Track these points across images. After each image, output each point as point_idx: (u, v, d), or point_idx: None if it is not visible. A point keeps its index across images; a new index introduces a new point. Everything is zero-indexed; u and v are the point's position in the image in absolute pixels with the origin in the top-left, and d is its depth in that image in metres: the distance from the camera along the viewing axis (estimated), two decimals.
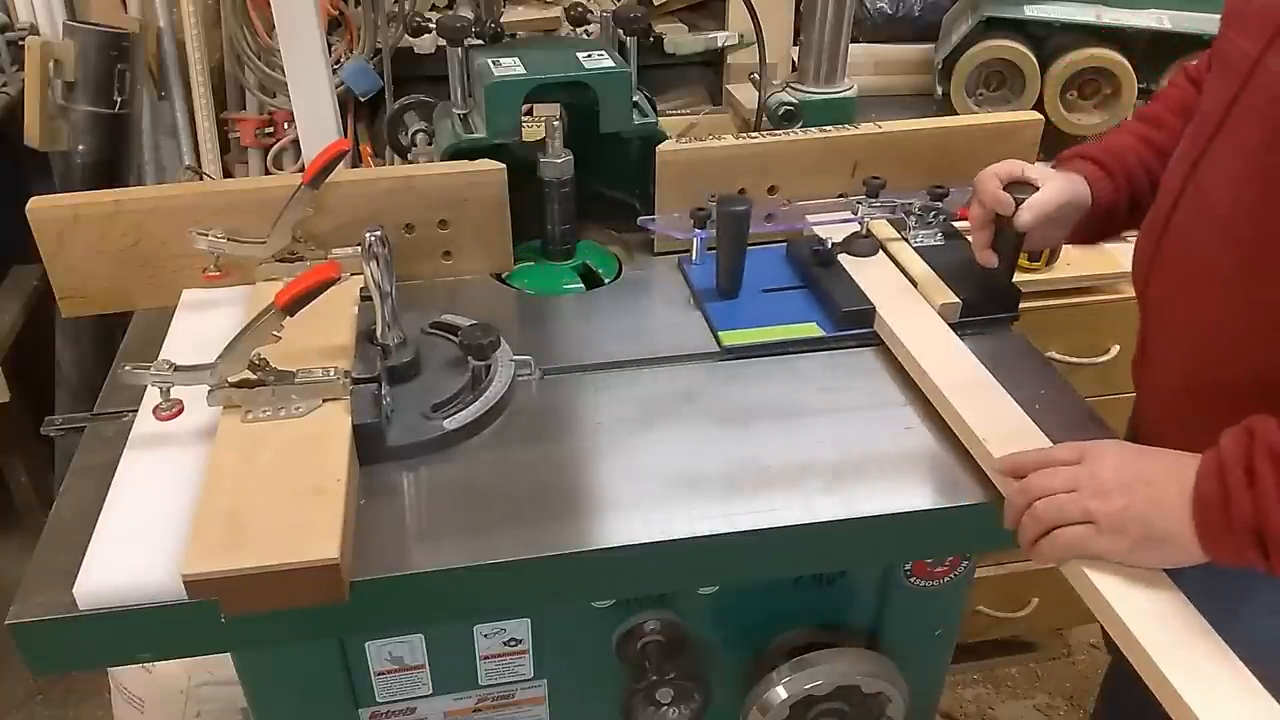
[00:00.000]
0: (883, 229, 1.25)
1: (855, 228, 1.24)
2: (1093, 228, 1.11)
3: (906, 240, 1.24)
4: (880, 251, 1.22)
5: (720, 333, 1.13)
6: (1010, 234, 1.07)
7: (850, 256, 1.21)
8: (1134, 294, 1.05)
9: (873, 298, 1.14)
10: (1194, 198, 0.93)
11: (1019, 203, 1.03)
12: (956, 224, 1.27)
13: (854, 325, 1.13)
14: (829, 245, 1.21)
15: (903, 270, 1.19)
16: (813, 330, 1.14)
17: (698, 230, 1.24)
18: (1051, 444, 0.93)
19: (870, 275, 1.18)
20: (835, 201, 1.30)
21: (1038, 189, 1.04)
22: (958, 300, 1.13)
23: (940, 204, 1.24)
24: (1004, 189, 1.05)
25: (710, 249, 1.23)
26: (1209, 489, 0.77)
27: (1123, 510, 0.79)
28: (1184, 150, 0.97)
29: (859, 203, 1.23)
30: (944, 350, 1.06)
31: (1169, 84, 1.18)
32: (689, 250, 1.27)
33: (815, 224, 1.28)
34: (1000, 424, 0.95)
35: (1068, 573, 0.84)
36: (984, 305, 1.14)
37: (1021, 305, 1.16)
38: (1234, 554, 0.76)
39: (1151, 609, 0.78)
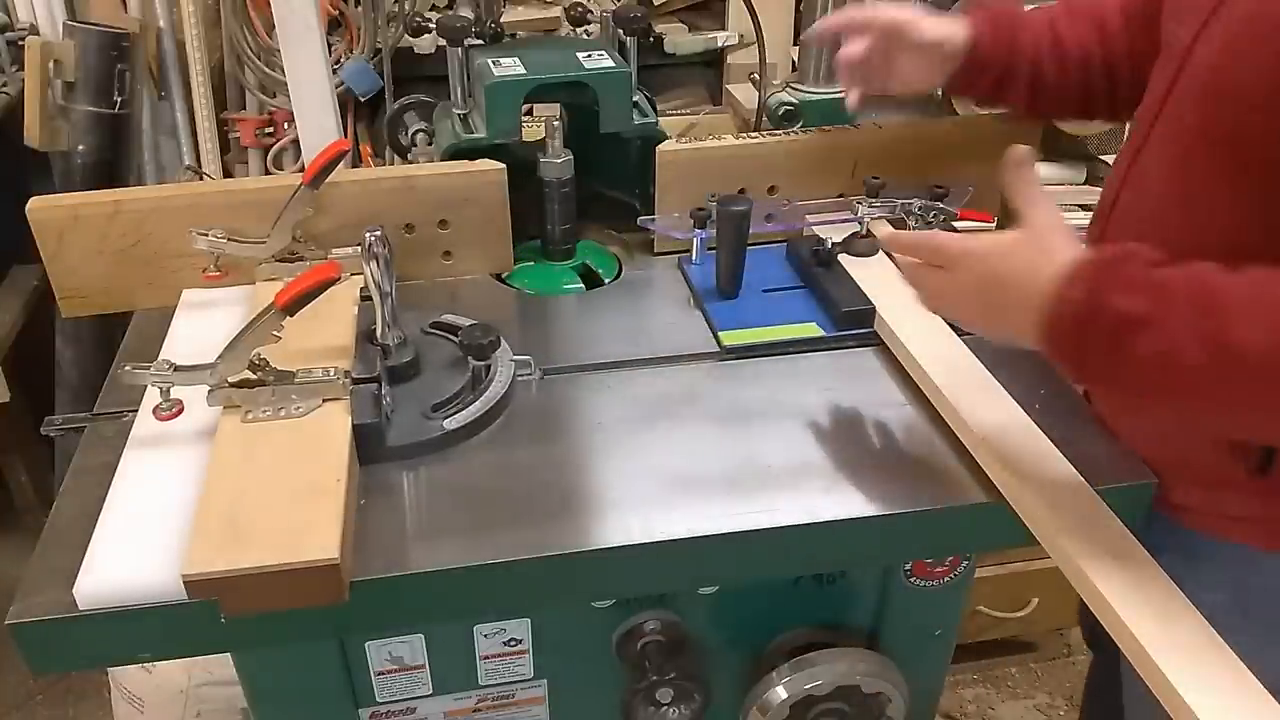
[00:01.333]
0: (882, 229, 1.25)
1: (855, 228, 1.24)
2: (966, 79, 1.12)
3: None
4: (880, 251, 1.22)
5: (720, 333, 1.13)
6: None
7: (850, 256, 1.21)
8: None
9: (873, 298, 1.14)
10: (1134, 186, 0.94)
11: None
12: (956, 224, 1.27)
13: (854, 325, 1.13)
14: (829, 245, 1.21)
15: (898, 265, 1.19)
16: (813, 330, 1.14)
17: (698, 230, 1.24)
18: (1051, 444, 0.93)
19: (870, 275, 1.18)
20: (835, 201, 1.30)
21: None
22: None
23: (940, 204, 1.24)
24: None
25: (710, 249, 1.23)
26: (1062, 330, 0.76)
27: (982, 332, 0.87)
28: (1130, 138, 0.97)
29: (859, 203, 1.23)
30: (944, 350, 1.06)
31: None
32: (689, 250, 1.27)
33: (815, 224, 1.28)
34: (1000, 424, 0.95)
35: (1068, 573, 0.84)
36: None
37: None
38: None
39: (1151, 608, 0.78)
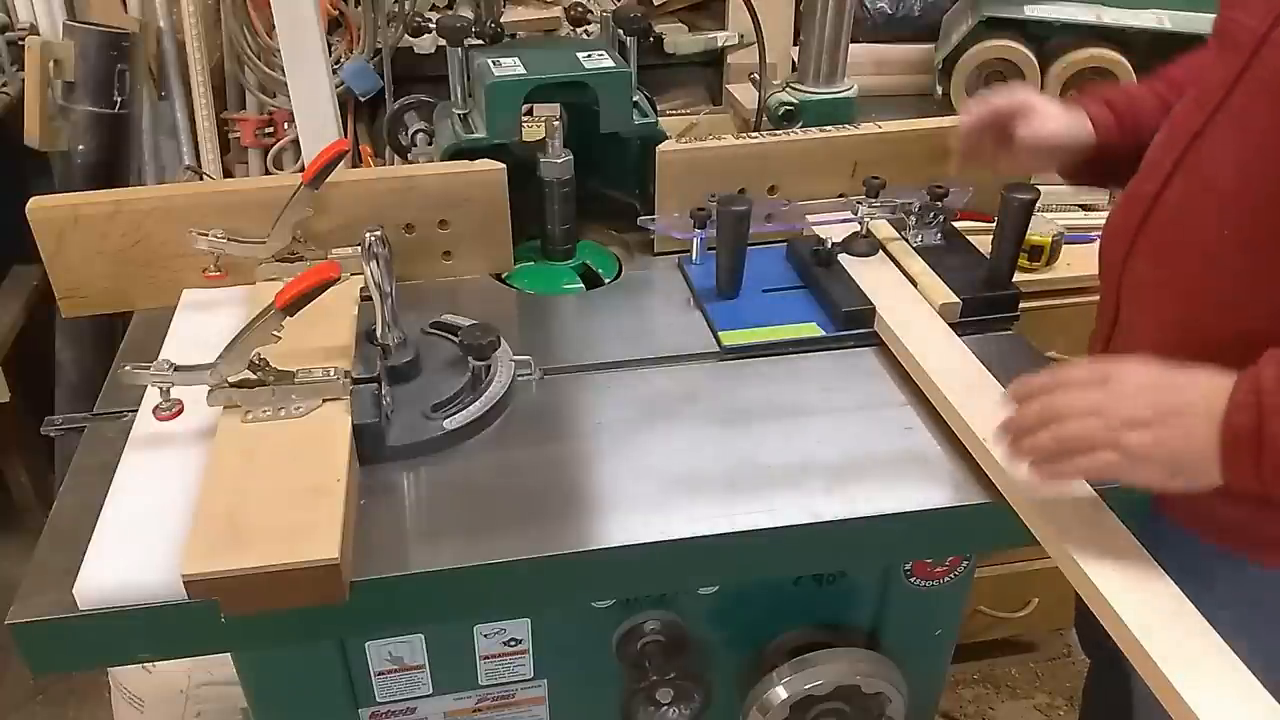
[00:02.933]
0: (882, 229, 1.25)
1: (855, 227, 1.24)
2: (1093, 169, 1.12)
3: (906, 240, 1.24)
4: (880, 251, 1.22)
5: (721, 333, 1.13)
6: (1010, 229, 1.08)
7: (850, 256, 1.21)
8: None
9: (873, 298, 1.14)
10: (1191, 173, 0.93)
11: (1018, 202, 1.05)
12: (956, 224, 1.27)
13: (854, 325, 1.13)
14: (829, 245, 1.21)
15: (903, 270, 1.19)
16: (813, 330, 1.14)
17: (698, 230, 1.23)
18: None
19: (870, 275, 1.18)
20: (835, 201, 1.30)
21: (1039, 194, 1.06)
22: (958, 300, 1.13)
23: (940, 204, 1.24)
24: (1004, 190, 1.06)
25: (710, 249, 1.23)
26: (1240, 422, 0.76)
27: (1154, 444, 0.78)
28: (1177, 128, 0.96)
29: (859, 203, 1.23)
30: (944, 350, 1.06)
31: (1191, 54, 1.16)
32: (689, 250, 1.27)
33: (815, 224, 1.28)
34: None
35: (1067, 573, 0.84)
36: (984, 305, 1.14)
37: (1021, 305, 1.16)
38: (1256, 486, 0.76)
39: (1151, 608, 0.78)
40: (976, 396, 0.99)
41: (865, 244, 1.22)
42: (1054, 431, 0.81)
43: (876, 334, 1.13)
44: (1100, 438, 0.79)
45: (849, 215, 1.25)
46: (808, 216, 1.29)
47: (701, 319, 1.17)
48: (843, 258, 1.20)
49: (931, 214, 1.24)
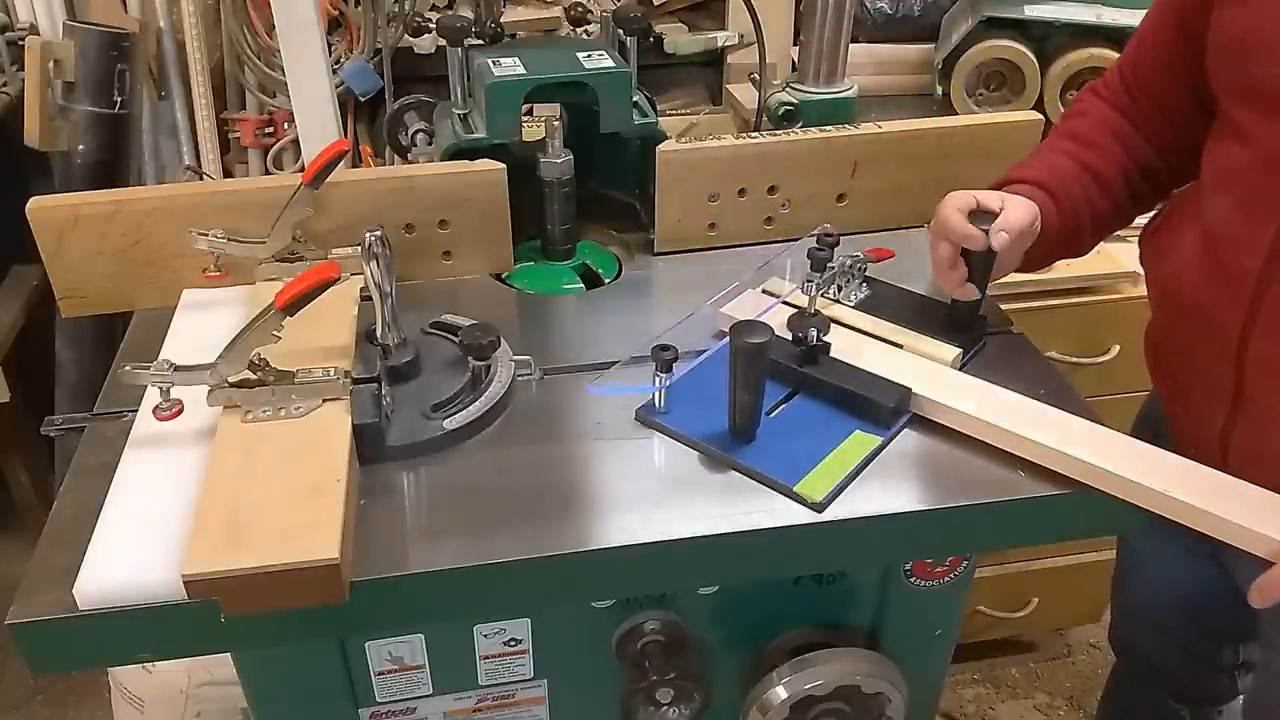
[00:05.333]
0: (800, 298, 1.11)
1: (759, 307, 1.10)
2: (1032, 256, 1.08)
3: (842, 303, 1.14)
4: (833, 325, 1.08)
5: (797, 488, 0.92)
6: (979, 262, 1.04)
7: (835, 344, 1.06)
8: (1220, 351, 1.00)
9: (900, 380, 1.02)
10: None
11: (986, 231, 1.00)
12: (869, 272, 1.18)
13: (899, 417, 1.01)
14: (812, 338, 1.04)
15: (878, 339, 1.10)
16: (870, 441, 0.98)
17: (660, 375, 0.99)
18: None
19: (860, 355, 1.06)
20: (735, 288, 1.16)
21: (998, 214, 1.01)
22: (958, 350, 1.07)
23: (860, 255, 1.15)
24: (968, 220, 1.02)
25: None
26: None
27: None
28: (1258, 202, 0.93)
29: (808, 281, 1.05)
30: (993, 398, 1.00)
31: (1083, 103, 1.16)
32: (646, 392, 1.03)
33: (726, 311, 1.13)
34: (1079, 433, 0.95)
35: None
36: (972, 343, 1.10)
37: (1021, 305, 1.16)
38: None
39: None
40: (1054, 426, 0.96)
41: (819, 321, 1.05)
42: None
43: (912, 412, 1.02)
44: None
45: (761, 296, 1.14)
46: (721, 310, 1.13)
47: (703, 319, 1.14)
48: (835, 351, 1.06)
49: (852, 265, 1.15)
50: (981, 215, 1.02)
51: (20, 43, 1.93)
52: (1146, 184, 1.12)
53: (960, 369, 1.06)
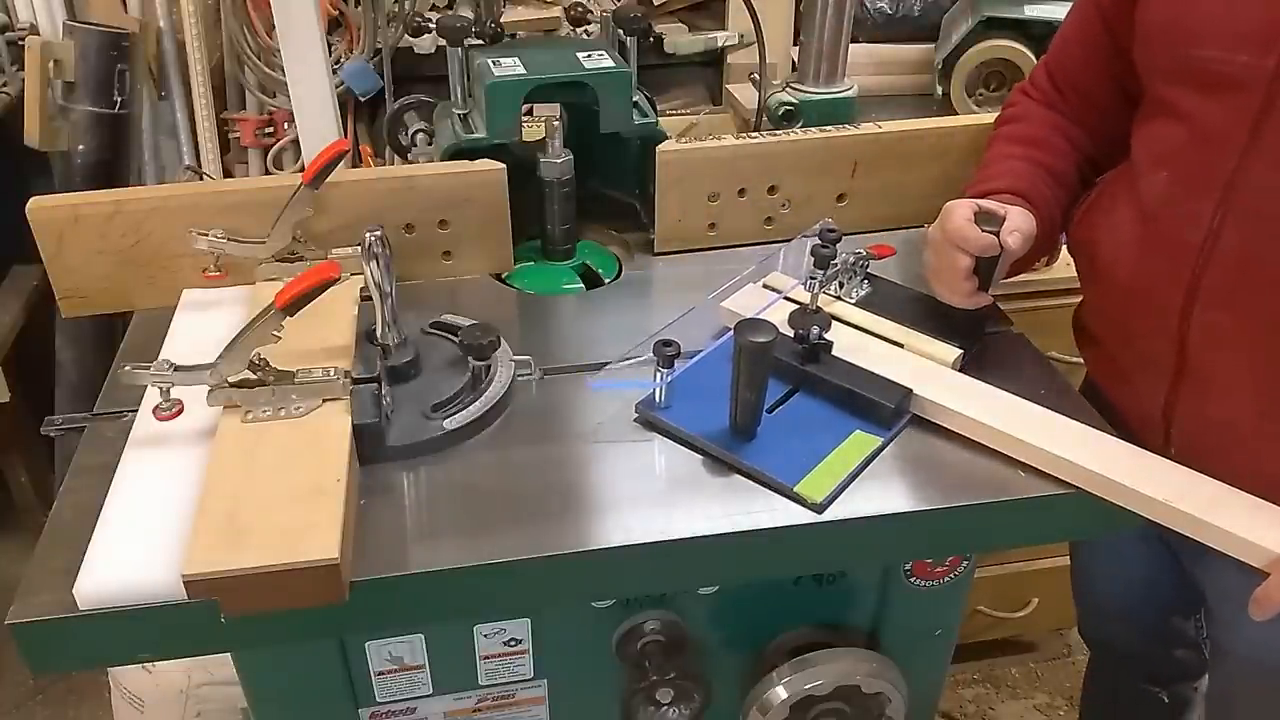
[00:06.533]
0: (801, 294, 1.11)
1: (763, 301, 1.10)
2: (1016, 263, 1.09)
3: (844, 300, 1.14)
4: (834, 322, 1.07)
5: (796, 488, 0.92)
6: (985, 267, 1.04)
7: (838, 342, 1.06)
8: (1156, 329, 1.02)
9: (899, 379, 1.02)
10: (1247, 218, 0.92)
11: (997, 234, 1.01)
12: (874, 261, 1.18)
13: (899, 418, 1.01)
14: (813, 337, 1.03)
15: (880, 337, 1.09)
16: (870, 441, 0.98)
17: (661, 370, 0.99)
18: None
19: (862, 353, 1.06)
20: (742, 278, 1.17)
21: (1003, 217, 1.02)
22: (959, 351, 1.06)
23: (863, 251, 1.15)
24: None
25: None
26: None
27: None
28: (1196, 178, 0.95)
29: (812, 277, 1.05)
30: (999, 402, 1.00)
31: (1017, 107, 1.20)
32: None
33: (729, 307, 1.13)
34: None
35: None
36: (971, 344, 1.09)
37: (1021, 305, 1.16)
38: None
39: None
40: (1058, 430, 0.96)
41: (821, 319, 1.04)
42: None
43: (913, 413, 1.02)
44: None
45: (763, 290, 1.13)
46: (722, 305, 1.13)
47: (702, 318, 1.14)
48: (836, 350, 1.05)
49: (854, 262, 1.15)
50: (987, 220, 1.03)
51: (20, 43, 1.93)
52: (1092, 173, 1.16)
53: (960, 369, 1.06)
